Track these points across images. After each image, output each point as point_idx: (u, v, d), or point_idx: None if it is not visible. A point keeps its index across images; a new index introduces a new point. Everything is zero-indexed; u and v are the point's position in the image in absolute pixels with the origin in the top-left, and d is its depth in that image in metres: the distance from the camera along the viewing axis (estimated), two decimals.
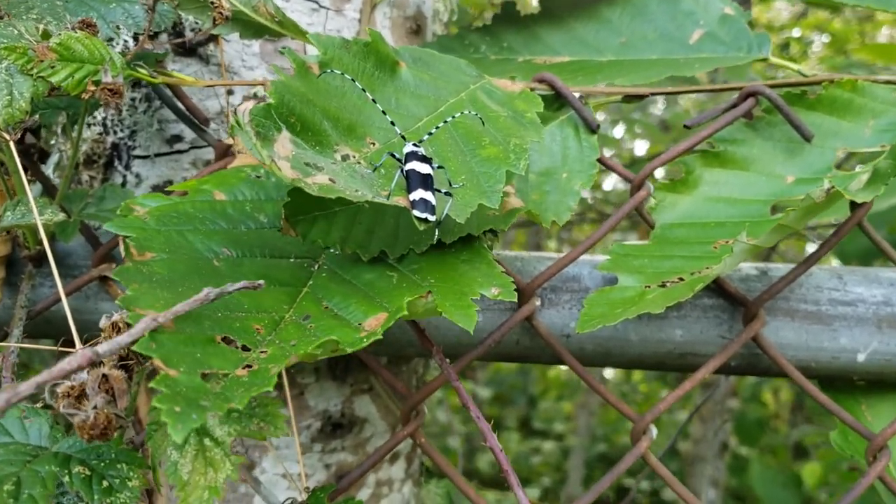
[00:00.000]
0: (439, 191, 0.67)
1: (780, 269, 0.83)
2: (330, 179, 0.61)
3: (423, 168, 0.67)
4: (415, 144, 0.69)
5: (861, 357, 0.80)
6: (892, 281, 0.82)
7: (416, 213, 0.65)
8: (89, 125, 0.93)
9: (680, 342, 0.81)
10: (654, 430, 0.76)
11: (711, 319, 0.81)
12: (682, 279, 0.73)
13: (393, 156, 0.68)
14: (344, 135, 0.69)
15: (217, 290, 0.53)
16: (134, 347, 0.48)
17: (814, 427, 4.18)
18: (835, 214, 0.90)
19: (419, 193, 0.66)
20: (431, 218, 0.65)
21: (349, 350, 0.53)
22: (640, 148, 3.86)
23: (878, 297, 0.81)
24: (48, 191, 0.86)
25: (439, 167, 0.69)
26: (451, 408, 3.58)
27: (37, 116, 0.77)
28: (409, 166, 0.67)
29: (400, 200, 0.65)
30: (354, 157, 0.68)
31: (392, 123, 0.70)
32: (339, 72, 0.71)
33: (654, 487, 4.23)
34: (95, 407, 0.49)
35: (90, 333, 0.82)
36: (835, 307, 0.80)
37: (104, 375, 0.52)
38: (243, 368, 0.51)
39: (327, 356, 0.56)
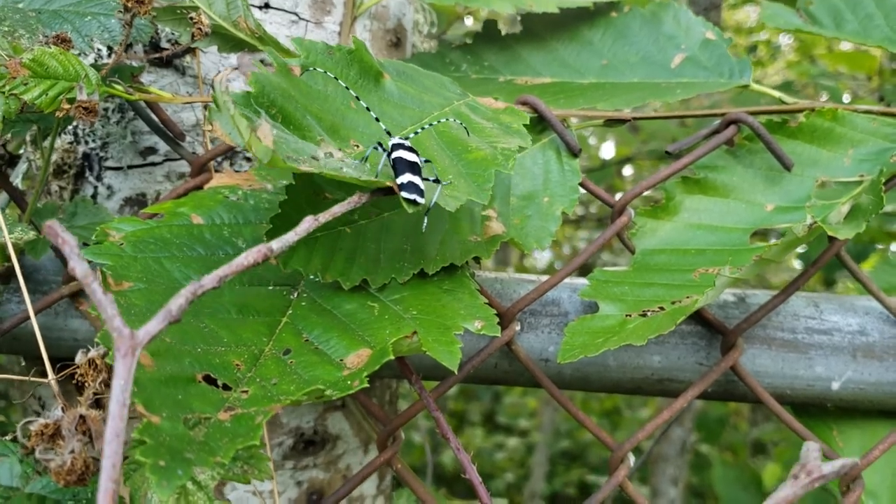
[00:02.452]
0: (427, 179, 0.65)
1: (757, 295, 0.84)
2: (313, 157, 0.59)
3: (411, 157, 0.65)
4: (401, 139, 0.67)
5: (835, 385, 0.81)
6: (868, 310, 0.83)
7: (404, 194, 0.62)
8: (60, 133, 0.90)
9: (658, 368, 0.81)
10: (631, 459, 0.76)
11: (689, 346, 0.81)
12: (662, 308, 0.73)
13: (380, 146, 0.66)
14: (328, 133, 0.67)
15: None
16: None
17: (773, 424, 4.23)
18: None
19: (407, 177, 0.63)
20: (420, 200, 0.63)
21: (334, 396, 0.52)
22: (607, 150, 3.87)
23: (853, 326, 0.81)
24: (16, 202, 0.83)
25: (427, 161, 0.67)
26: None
27: (9, 135, 0.75)
28: (396, 154, 0.65)
29: (388, 182, 0.63)
30: (339, 154, 0.66)
31: (377, 120, 0.68)
32: (321, 70, 0.70)
33: None
34: (72, 451, 0.48)
35: (61, 354, 0.80)
36: (811, 336, 0.81)
37: (81, 416, 0.50)
38: (225, 411, 0.50)
39: (312, 402, 0.55)
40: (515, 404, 5.12)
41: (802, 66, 3.61)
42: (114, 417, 0.33)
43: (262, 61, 0.92)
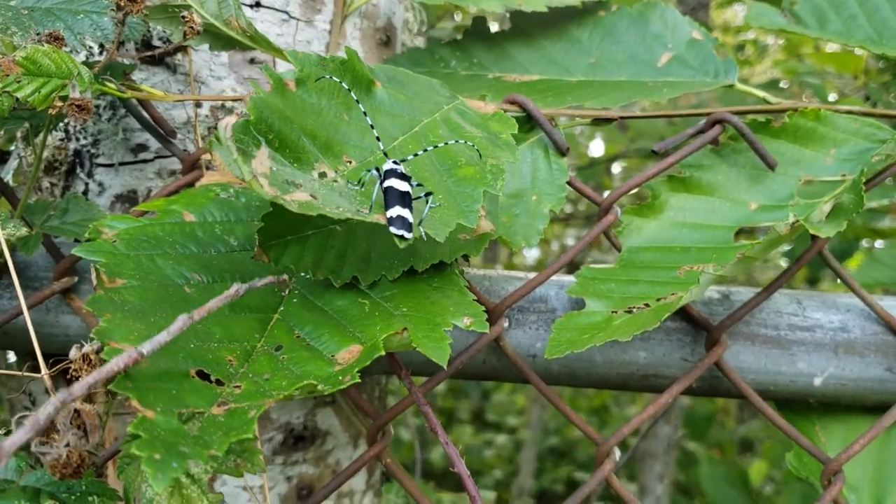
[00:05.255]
0: (419, 197, 0.67)
1: (741, 292, 0.85)
2: (311, 195, 0.60)
3: (402, 185, 0.67)
4: (395, 162, 0.68)
5: (818, 381, 0.82)
6: (849, 307, 0.84)
7: (393, 230, 0.65)
8: (51, 130, 0.91)
9: (643, 364, 0.82)
10: (617, 453, 0.77)
11: (674, 342, 0.82)
12: (647, 305, 0.74)
13: (377, 170, 0.68)
14: (321, 151, 0.69)
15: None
16: (110, 386, 0.47)
17: (760, 422, 4.26)
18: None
19: (396, 210, 0.65)
20: (408, 236, 0.65)
21: (326, 391, 0.53)
22: (596, 147, 3.89)
23: (835, 323, 0.83)
24: (7, 198, 0.84)
25: (418, 185, 0.69)
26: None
27: (1, 132, 0.76)
28: (387, 183, 0.67)
29: (379, 218, 0.65)
30: (333, 174, 0.68)
31: (377, 139, 0.70)
32: (329, 78, 0.71)
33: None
34: (68, 444, 0.49)
35: (52, 350, 0.81)
36: (793, 332, 0.82)
37: (76, 410, 0.51)
38: (218, 406, 0.51)
39: (304, 396, 0.56)
40: (504, 402, 5.14)
41: (790, 65, 3.63)
42: None
43: (251, 60, 0.93)
